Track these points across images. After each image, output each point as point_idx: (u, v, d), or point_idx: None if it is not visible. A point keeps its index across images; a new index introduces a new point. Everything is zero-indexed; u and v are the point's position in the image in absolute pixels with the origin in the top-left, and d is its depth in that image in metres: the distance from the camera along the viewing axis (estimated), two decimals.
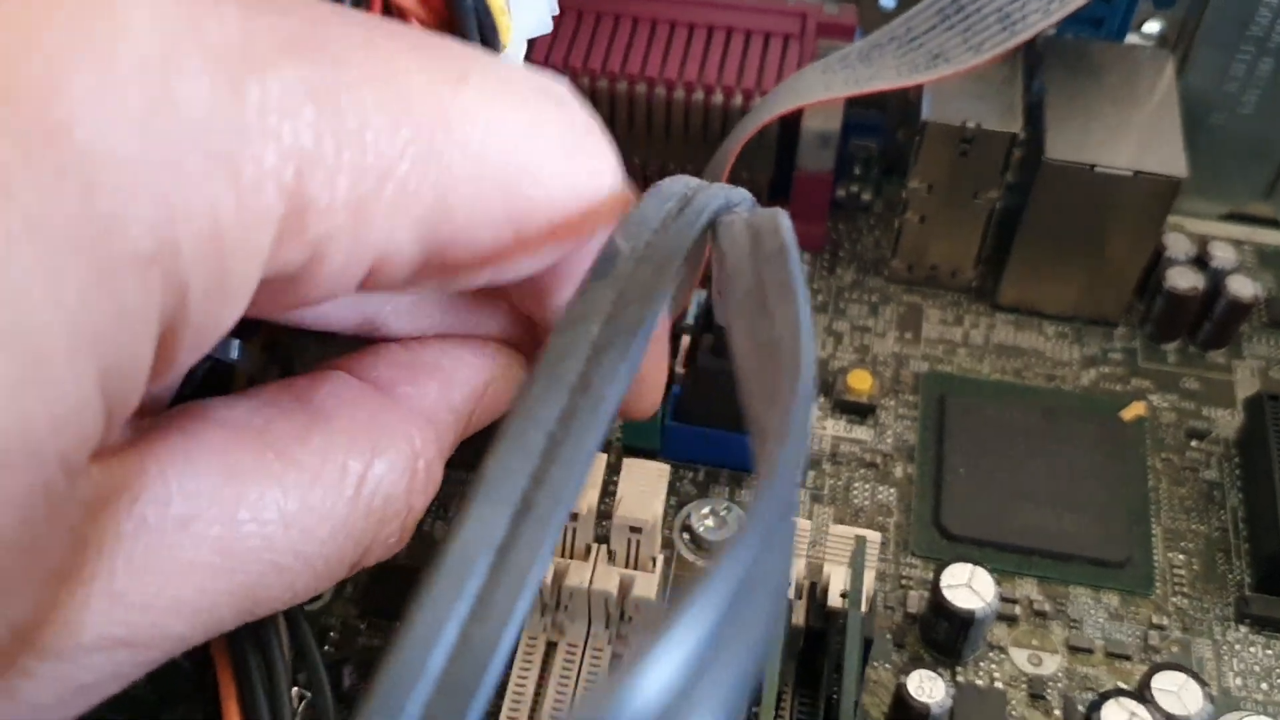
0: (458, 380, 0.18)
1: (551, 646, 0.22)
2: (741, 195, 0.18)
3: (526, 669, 0.21)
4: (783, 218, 0.16)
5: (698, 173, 0.27)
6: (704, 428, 0.25)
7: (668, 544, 0.24)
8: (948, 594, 0.22)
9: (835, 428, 0.26)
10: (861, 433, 0.26)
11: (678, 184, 0.18)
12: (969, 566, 0.22)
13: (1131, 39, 0.29)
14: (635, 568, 0.21)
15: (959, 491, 0.25)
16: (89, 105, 0.10)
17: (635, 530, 0.21)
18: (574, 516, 0.22)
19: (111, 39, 0.11)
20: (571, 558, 0.21)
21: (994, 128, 0.25)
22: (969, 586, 0.22)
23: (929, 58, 0.25)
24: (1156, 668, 0.21)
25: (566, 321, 0.15)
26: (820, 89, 0.25)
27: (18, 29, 0.10)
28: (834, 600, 0.20)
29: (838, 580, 0.20)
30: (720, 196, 0.18)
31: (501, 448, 0.13)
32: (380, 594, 0.23)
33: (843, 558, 0.21)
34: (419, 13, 0.15)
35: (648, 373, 0.19)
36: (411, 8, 0.15)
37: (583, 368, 0.15)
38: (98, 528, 0.13)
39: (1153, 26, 0.29)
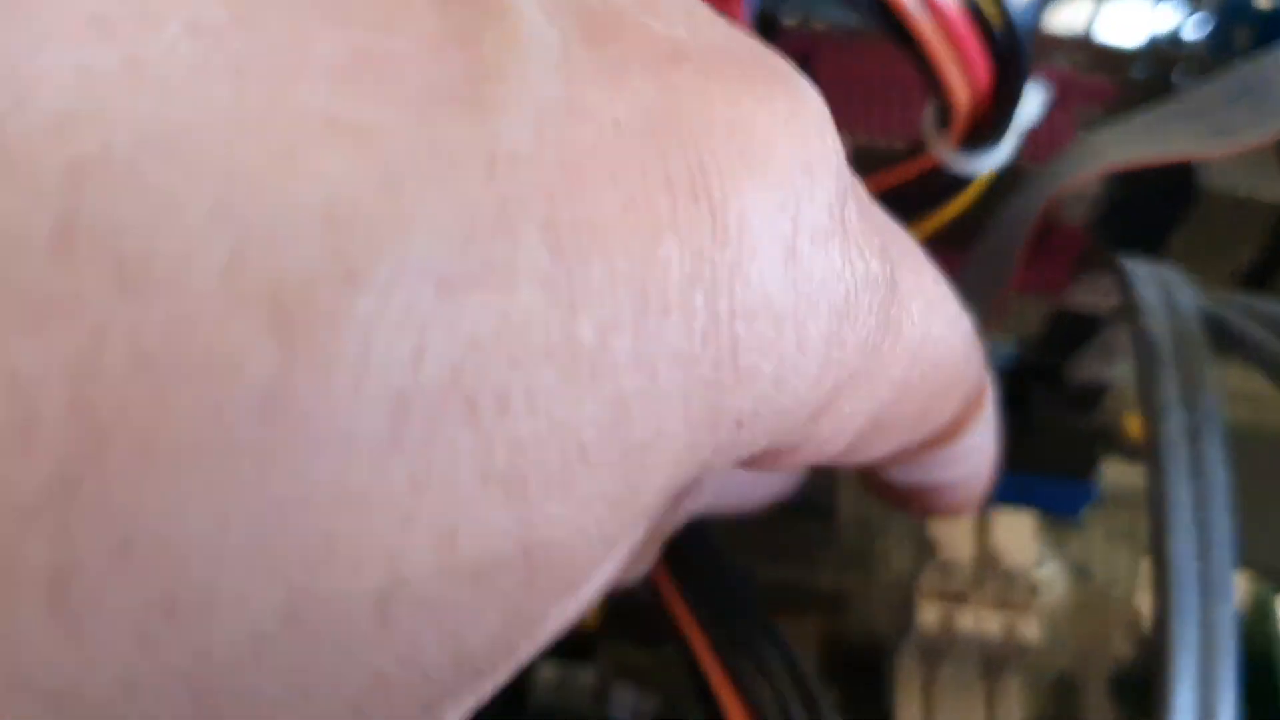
0: None
1: (925, 687, 0.23)
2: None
3: (909, 706, 0.23)
4: None
5: (978, 225, 0.29)
6: (1026, 474, 0.26)
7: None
8: None
9: (1114, 471, 0.28)
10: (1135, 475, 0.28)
11: (1141, 267, 0.20)
12: None
13: None
14: (1012, 610, 0.23)
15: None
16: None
17: (1013, 577, 0.23)
18: (948, 565, 0.23)
19: None
20: (951, 601, 0.23)
21: (1264, 198, 0.28)
22: None
23: (1215, 132, 0.27)
24: None
25: (1157, 411, 0.16)
26: (1118, 154, 0.27)
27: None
28: None
29: None
30: (1182, 279, 0.19)
31: (1175, 538, 0.15)
32: None
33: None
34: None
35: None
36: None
37: (1189, 453, 0.16)
38: None
39: None
